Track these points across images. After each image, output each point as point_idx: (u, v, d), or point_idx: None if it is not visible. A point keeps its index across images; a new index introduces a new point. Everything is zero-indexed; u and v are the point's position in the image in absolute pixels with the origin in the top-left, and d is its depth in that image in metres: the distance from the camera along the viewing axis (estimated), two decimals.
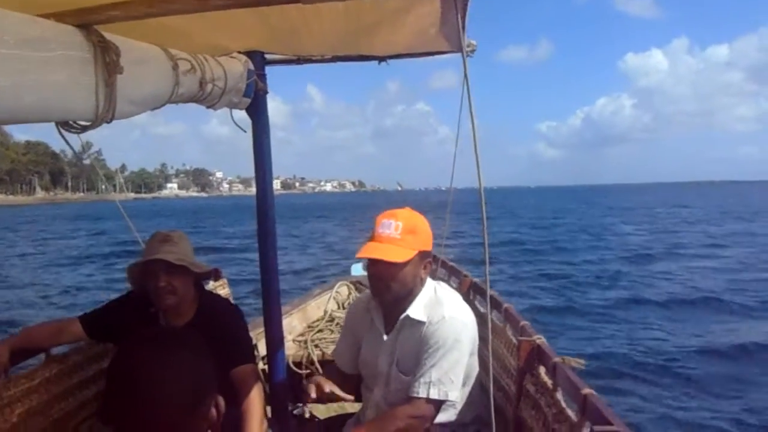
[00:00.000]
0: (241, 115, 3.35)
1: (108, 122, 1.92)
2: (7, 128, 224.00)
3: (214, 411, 1.44)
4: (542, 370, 2.93)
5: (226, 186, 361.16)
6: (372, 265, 2.81)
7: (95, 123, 1.86)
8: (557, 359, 2.76)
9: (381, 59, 3.72)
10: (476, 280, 4.31)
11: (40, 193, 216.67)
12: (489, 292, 2.67)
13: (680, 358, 11.41)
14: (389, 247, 2.72)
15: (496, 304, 3.68)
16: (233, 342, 3.17)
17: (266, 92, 3.39)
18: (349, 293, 6.52)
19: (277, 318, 3.62)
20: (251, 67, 3.19)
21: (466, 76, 2.15)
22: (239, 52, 3.18)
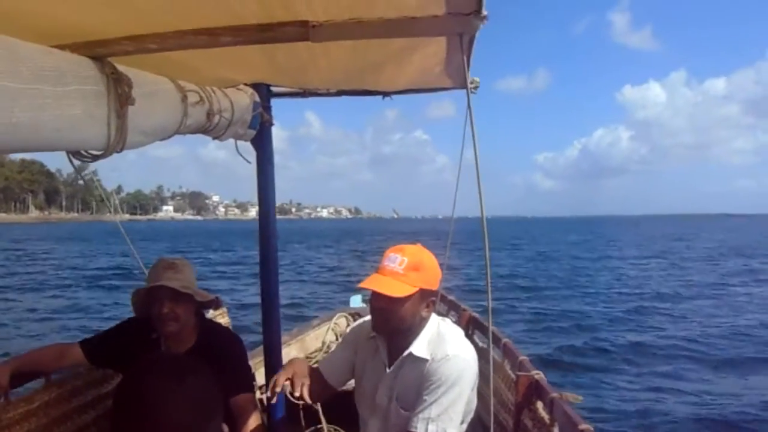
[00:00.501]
0: (246, 146, 3.39)
1: (118, 152, 1.96)
2: None
3: None
4: (540, 405, 2.94)
5: (222, 210, 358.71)
6: (373, 297, 2.81)
7: (106, 153, 1.90)
8: (555, 394, 2.77)
9: (385, 94, 3.77)
10: (475, 314, 4.31)
11: (34, 212, 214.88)
12: (491, 328, 2.69)
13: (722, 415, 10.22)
14: (390, 281, 2.71)
15: (495, 339, 3.69)
16: (233, 370, 3.17)
17: (272, 124, 3.45)
18: (348, 325, 6.50)
19: (277, 347, 3.63)
20: (257, 99, 3.24)
21: (470, 112, 2.18)
22: (246, 84, 3.22)
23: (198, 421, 1.39)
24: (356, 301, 6.98)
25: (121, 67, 1.91)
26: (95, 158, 1.94)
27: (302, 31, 1.93)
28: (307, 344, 6.04)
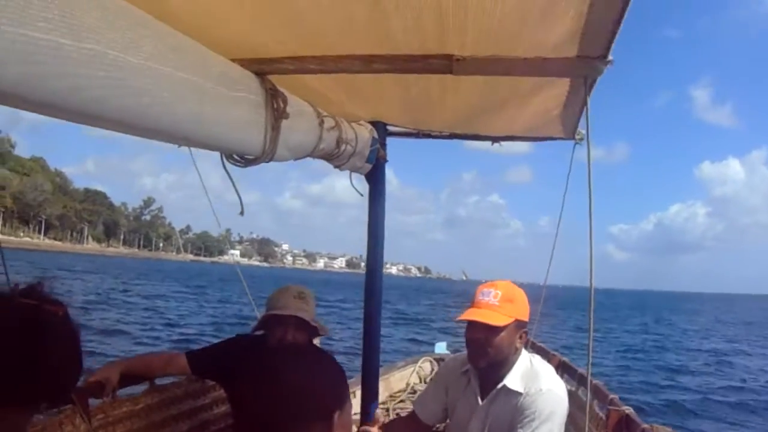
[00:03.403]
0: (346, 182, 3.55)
1: (267, 162, 2.15)
2: (68, 174, 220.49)
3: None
4: None
5: (290, 258, 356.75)
6: (470, 329, 2.90)
7: (259, 160, 2.09)
8: (646, 426, 2.79)
9: (494, 140, 3.91)
10: (565, 359, 4.36)
11: (90, 243, 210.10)
12: (590, 374, 2.75)
13: None
14: (487, 312, 2.82)
15: (582, 380, 3.73)
16: None
17: (386, 161, 3.61)
18: (432, 369, 6.64)
19: (375, 379, 3.75)
20: (375, 135, 3.41)
21: (588, 156, 2.28)
22: (366, 121, 3.40)
23: (337, 395, 1.52)
24: (441, 348, 7.19)
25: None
26: (247, 163, 2.13)
27: (446, 64, 2.10)
28: (392, 384, 6.15)
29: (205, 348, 3.59)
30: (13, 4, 0.99)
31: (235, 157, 2.12)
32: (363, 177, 3.61)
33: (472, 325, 2.87)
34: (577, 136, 3.61)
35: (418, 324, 37.18)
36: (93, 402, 3.14)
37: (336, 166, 3.05)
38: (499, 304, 2.83)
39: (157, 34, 1.42)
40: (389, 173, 3.72)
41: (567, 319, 40.26)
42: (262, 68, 2.06)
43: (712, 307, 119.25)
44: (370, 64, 2.10)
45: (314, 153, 2.57)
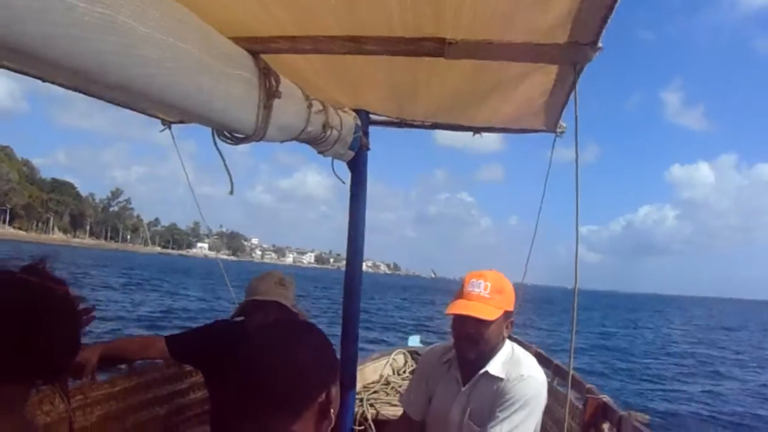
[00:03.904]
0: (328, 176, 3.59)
1: (257, 140, 2.16)
2: (35, 164, 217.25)
3: (333, 412, 1.55)
4: (606, 426, 2.99)
5: (258, 253, 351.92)
6: (461, 322, 2.89)
7: (250, 138, 2.11)
8: (623, 413, 2.83)
9: (476, 131, 3.94)
10: (541, 350, 4.41)
11: (57, 234, 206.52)
12: (572, 358, 2.79)
13: None
14: (479, 305, 2.82)
15: (558, 371, 3.78)
16: None
17: (368, 149, 3.62)
18: (406, 361, 6.70)
19: (353, 370, 3.76)
20: (359, 122, 3.42)
21: (576, 143, 2.32)
22: (350, 108, 3.42)
23: (323, 377, 1.51)
24: (414, 341, 7.29)
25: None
26: (238, 142, 2.14)
27: (438, 47, 2.13)
28: (366, 375, 6.19)
29: (185, 332, 3.60)
30: None
31: (226, 134, 2.12)
32: (345, 165, 3.62)
33: (462, 317, 2.86)
34: (558, 129, 3.65)
35: (380, 324, 37.01)
36: (72, 382, 3.13)
37: (320, 152, 3.06)
38: (490, 296, 2.83)
39: (163, 4, 1.42)
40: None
41: (537, 320, 40.60)
42: (256, 47, 2.08)
43: (682, 310, 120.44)
44: (362, 45, 2.12)
45: (301, 135, 2.58)
